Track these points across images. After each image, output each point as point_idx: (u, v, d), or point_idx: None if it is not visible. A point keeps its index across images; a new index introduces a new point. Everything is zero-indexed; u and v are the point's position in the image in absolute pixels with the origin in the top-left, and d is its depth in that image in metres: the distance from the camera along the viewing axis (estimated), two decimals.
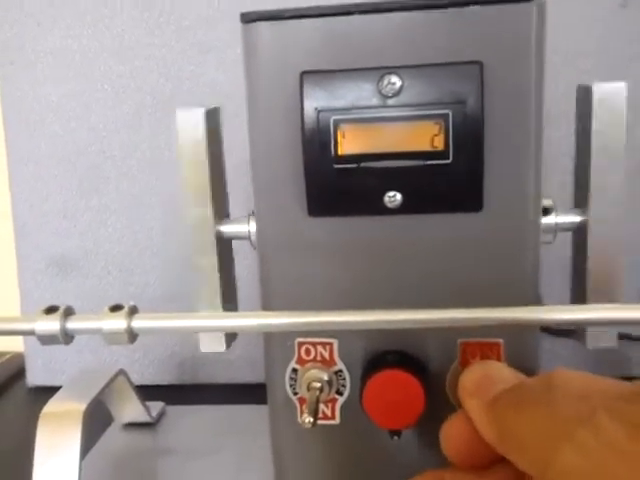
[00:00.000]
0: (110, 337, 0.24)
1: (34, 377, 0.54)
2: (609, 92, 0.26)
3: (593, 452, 0.17)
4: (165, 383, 0.52)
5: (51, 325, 0.24)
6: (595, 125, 0.26)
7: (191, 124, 0.28)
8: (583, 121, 0.27)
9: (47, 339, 0.25)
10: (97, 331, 0.24)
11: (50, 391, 0.35)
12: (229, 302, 0.29)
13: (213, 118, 0.29)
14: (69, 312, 0.25)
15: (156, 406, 0.43)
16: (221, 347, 0.28)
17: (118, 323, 0.24)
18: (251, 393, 0.41)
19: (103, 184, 0.51)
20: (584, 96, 0.27)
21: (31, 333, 0.24)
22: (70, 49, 0.50)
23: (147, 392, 0.42)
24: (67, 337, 0.25)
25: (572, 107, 0.29)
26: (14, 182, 0.52)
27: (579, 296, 0.29)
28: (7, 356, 0.57)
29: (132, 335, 0.24)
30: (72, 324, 0.25)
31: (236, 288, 0.32)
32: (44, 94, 0.51)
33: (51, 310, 0.25)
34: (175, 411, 0.44)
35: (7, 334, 0.25)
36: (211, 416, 0.43)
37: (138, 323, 0.24)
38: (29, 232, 0.52)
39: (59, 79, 0.50)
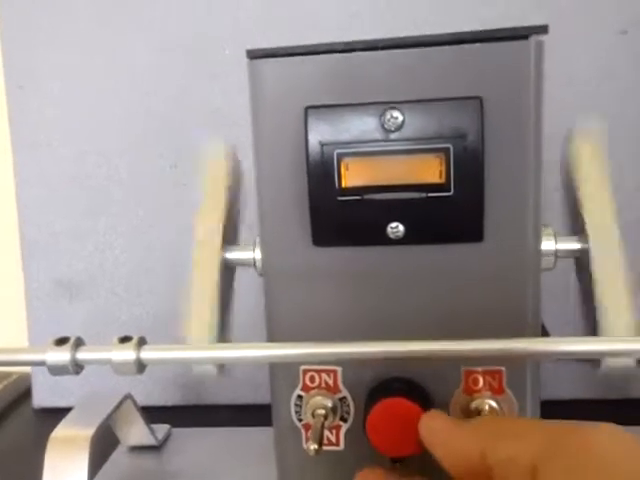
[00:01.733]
0: (119, 367, 0.25)
1: (40, 398, 0.54)
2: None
3: None
4: (169, 404, 0.52)
5: (62, 356, 0.25)
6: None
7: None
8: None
9: (57, 370, 0.25)
10: (106, 362, 0.25)
11: (56, 413, 0.35)
12: (223, 331, 0.30)
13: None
14: (79, 343, 0.26)
15: (162, 429, 0.44)
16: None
17: (127, 354, 0.25)
18: (254, 414, 0.41)
19: (110, 207, 0.52)
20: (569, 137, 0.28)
21: (42, 364, 0.25)
22: (79, 72, 0.51)
23: (152, 413, 0.42)
24: (77, 367, 0.25)
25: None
26: (22, 204, 0.53)
27: (590, 322, 0.29)
28: (13, 377, 0.57)
29: (140, 366, 0.25)
30: (82, 355, 0.25)
31: (231, 318, 0.32)
32: (52, 117, 0.51)
33: (62, 341, 0.25)
34: (180, 434, 0.44)
35: (18, 364, 0.25)
36: (216, 439, 0.43)
37: (146, 354, 0.25)
38: (37, 254, 0.53)
39: (67, 102, 0.51)
